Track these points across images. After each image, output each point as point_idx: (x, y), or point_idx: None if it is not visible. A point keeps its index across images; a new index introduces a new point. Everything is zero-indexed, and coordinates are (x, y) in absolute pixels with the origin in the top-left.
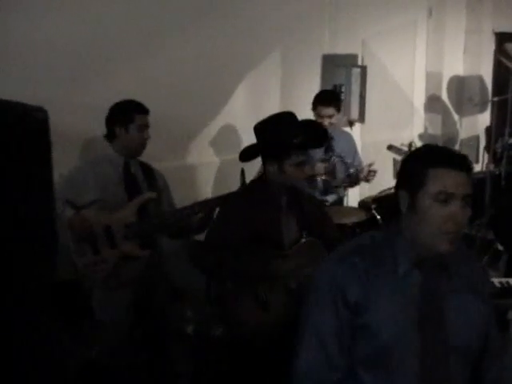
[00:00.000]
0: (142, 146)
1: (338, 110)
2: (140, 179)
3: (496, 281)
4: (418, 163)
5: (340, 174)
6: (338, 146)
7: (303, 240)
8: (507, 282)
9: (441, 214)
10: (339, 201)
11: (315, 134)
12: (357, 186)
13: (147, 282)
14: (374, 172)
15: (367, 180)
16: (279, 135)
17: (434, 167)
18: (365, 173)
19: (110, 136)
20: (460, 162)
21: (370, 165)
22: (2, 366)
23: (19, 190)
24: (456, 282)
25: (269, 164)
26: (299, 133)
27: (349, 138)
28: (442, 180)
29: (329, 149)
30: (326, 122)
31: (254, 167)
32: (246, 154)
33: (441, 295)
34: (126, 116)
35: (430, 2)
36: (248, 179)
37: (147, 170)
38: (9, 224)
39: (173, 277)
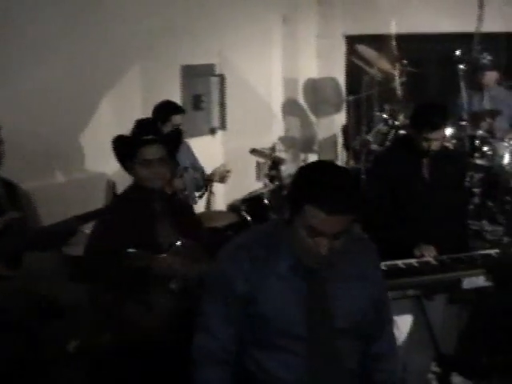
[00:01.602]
0: None
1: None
2: (3, 199)
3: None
4: (300, 192)
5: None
6: (180, 157)
7: (179, 242)
8: (394, 264)
9: (307, 243)
10: None
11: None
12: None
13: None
14: (228, 171)
15: (222, 181)
16: (128, 137)
17: (310, 204)
18: (219, 174)
19: None
20: (337, 208)
21: (224, 165)
22: None
23: None
24: (342, 268)
25: (127, 167)
26: (143, 131)
27: (186, 147)
28: (313, 218)
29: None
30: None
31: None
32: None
33: (326, 283)
34: None
35: (284, 10)
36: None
37: (10, 188)
38: None
39: (48, 294)
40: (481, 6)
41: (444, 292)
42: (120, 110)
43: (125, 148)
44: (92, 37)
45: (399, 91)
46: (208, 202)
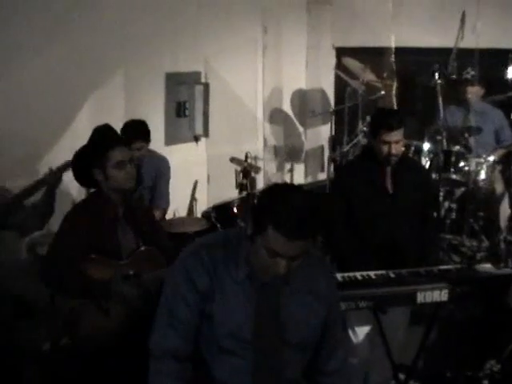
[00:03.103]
0: None
1: (147, 142)
2: None
3: (339, 275)
4: (264, 213)
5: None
6: (147, 173)
7: (140, 249)
8: (351, 276)
9: (266, 261)
10: None
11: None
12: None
13: None
14: None
15: None
16: (95, 141)
17: (272, 227)
18: None
19: None
20: (298, 234)
21: None
22: None
23: None
24: (296, 284)
25: (96, 174)
26: (105, 135)
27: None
28: (274, 241)
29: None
30: (137, 153)
31: None
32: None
33: (278, 296)
34: None
35: (265, 20)
36: None
37: None
38: None
39: (21, 292)
40: (462, 21)
41: (398, 305)
42: (101, 116)
43: (94, 155)
44: (75, 42)
45: (388, 103)
46: (190, 209)
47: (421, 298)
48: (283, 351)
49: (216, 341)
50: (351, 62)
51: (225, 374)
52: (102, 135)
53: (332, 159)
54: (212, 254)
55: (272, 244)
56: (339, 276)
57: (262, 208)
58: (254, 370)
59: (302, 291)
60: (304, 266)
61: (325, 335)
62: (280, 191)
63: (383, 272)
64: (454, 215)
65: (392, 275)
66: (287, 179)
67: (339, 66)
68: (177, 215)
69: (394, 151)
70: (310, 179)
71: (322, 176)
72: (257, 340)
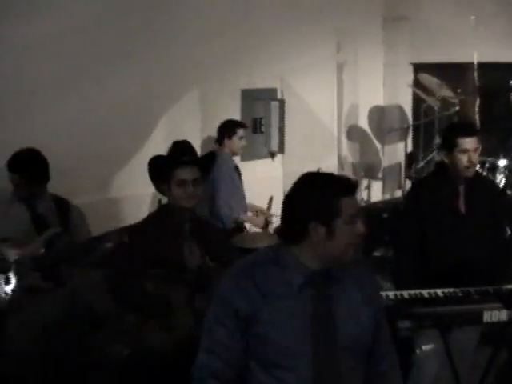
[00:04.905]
0: None
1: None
2: (51, 216)
3: (405, 293)
4: (327, 196)
5: None
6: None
7: (206, 265)
8: (418, 293)
9: (354, 232)
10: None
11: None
12: None
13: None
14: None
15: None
16: (168, 156)
17: (344, 196)
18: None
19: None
20: (355, 187)
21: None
22: None
23: None
24: (345, 285)
25: (163, 188)
26: (179, 152)
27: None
28: (352, 206)
29: None
30: None
31: None
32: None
33: (330, 299)
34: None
35: (341, 38)
36: None
37: (61, 205)
38: None
39: (97, 305)
40: None
41: (463, 324)
42: (177, 133)
43: (161, 168)
44: (152, 59)
45: (470, 120)
46: (266, 224)
47: (487, 317)
48: (340, 359)
49: (271, 359)
50: (427, 78)
51: None
52: (174, 151)
53: (408, 177)
54: (251, 275)
55: (352, 209)
56: (406, 293)
57: (323, 194)
58: (313, 382)
59: (351, 290)
60: (352, 271)
61: (375, 341)
62: (312, 177)
63: (450, 290)
64: None
65: (460, 293)
66: (364, 196)
67: (417, 82)
68: (252, 231)
69: (474, 159)
70: (387, 196)
71: (400, 193)
72: (313, 350)
